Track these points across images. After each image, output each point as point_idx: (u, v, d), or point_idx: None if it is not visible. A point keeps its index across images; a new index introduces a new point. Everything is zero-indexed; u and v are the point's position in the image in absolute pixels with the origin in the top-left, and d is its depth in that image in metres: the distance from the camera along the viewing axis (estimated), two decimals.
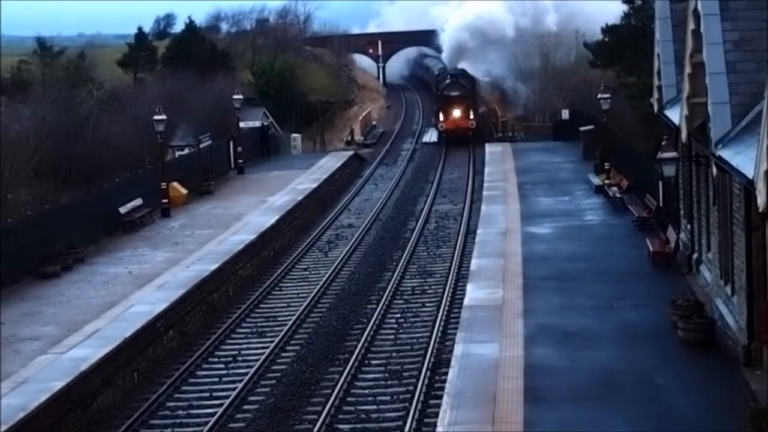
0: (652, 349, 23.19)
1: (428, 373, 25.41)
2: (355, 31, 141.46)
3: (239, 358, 27.99)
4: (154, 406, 24.62)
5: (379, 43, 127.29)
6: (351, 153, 68.77)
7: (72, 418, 23.16)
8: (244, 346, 29.15)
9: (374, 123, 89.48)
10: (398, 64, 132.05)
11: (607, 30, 59.39)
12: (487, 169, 54.72)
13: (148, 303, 29.93)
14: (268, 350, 27.99)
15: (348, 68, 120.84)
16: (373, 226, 45.23)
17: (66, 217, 37.62)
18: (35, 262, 34.44)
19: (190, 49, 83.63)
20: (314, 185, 52.43)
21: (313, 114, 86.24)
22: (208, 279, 33.14)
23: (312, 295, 33.49)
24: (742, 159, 19.21)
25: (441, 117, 73.53)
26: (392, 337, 29.23)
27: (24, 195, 44.26)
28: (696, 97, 24.99)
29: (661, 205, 35.76)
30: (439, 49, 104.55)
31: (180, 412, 24.34)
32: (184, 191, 48.86)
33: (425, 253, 39.36)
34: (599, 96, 47.21)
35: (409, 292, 33.80)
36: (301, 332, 30.05)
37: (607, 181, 44.68)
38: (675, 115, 28.70)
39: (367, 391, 24.95)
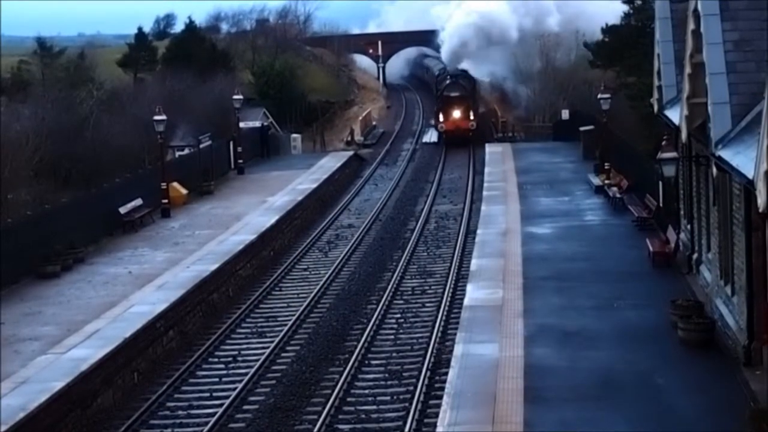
0: (652, 349, 23.19)
1: (428, 373, 25.41)
2: (355, 31, 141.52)
3: (239, 359, 27.99)
4: (154, 406, 24.62)
5: (379, 43, 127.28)
6: (351, 153, 68.74)
7: (72, 418, 23.16)
8: (244, 346, 29.15)
9: (374, 123, 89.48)
10: (398, 64, 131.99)
11: (607, 30, 59.40)
12: (487, 169, 54.71)
13: (148, 303, 29.93)
14: (268, 350, 27.99)
15: (348, 68, 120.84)
16: (373, 227, 45.23)
17: (66, 217, 37.62)
18: (35, 262, 34.44)
19: (190, 49, 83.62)
20: (314, 185, 52.43)
21: (313, 114, 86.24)
22: (208, 279, 33.14)
23: (312, 295, 33.49)
24: (742, 159, 19.21)
25: (441, 118, 73.25)
26: (392, 337, 29.23)
27: (24, 195, 44.25)
28: (696, 98, 24.99)
29: (661, 205, 35.76)
30: (439, 49, 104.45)
31: (180, 412, 24.34)
32: (184, 191, 48.86)
33: (425, 254, 39.36)
34: (599, 96, 47.19)
35: (409, 293, 33.80)
36: (301, 332, 30.05)
37: (607, 181, 44.68)
38: (675, 115, 28.71)
39: (367, 392, 24.95)
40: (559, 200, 44.26)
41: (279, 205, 46.28)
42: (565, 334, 24.71)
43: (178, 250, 37.79)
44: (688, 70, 25.30)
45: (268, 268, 38.38)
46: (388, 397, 24.40)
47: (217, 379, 26.50)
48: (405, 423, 22.46)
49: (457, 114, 72.47)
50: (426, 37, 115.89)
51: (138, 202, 43.41)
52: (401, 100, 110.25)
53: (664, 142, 27.15)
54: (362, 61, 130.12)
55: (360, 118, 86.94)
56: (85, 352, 25.49)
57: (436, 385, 24.37)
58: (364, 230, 44.04)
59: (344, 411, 23.71)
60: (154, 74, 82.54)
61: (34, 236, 34.84)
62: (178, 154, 58.31)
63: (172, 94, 63.71)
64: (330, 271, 36.63)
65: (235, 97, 59.56)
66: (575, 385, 21.17)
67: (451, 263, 36.70)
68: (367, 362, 27.09)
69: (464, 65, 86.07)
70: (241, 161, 59.55)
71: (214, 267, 34.17)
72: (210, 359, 28.19)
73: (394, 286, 34.26)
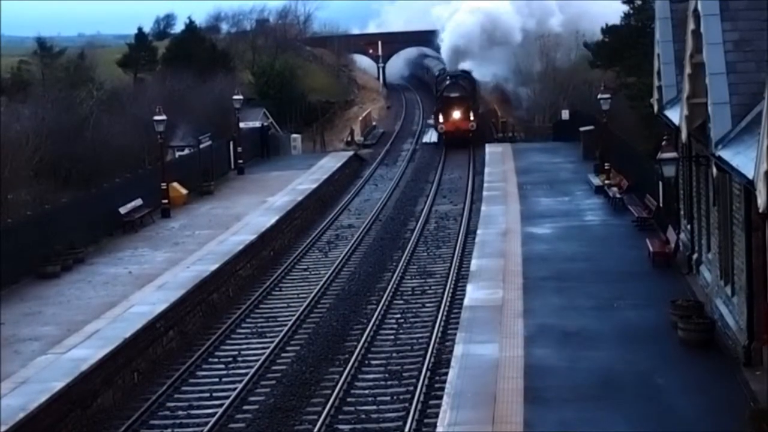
0: (652, 349, 23.19)
1: (428, 373, 25.41)
2: (355, 31, 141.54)
3: (239, 359, 27.99)
4: (154, 406, 24.62)
5: (379, 43, 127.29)
6: (351, 153, 68.71)
7: (72, 418, 23.16)
8: (244, 346, 29.15)
9: (374, 123, 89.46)
10: (398, 64, 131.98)
11: (607, 30, 59.44)
12: (487, 170, 54.71)
13: (148, 303, 29.93)
14: (268, 350, 27.99)
15: (348, 68, 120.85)
16: (373, 227, 45.23)
17: (66, 217, 37.62)
18: (35, 262, 34.43)
19: (190, 50, 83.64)
20: (314, 185, 52.43)
21: (313, 114, 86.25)
22: (208, 279, 33.14)
23: (312, 295, 33.49)
24: (742, 159, 19.21)
25: (441, 118, 72.73)
26: (392, 337, 29.23)
27: (24, 195, 44.26)
28: (696, 98, 24.99)
29: (661, 205, 35.76)
30: (439, 50, 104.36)
31: (180, 412, 24.33)
32: (184, 191, 48.85)
33: (425, 254, 39.36)
34: (599, 96, 47.17)
35: (409, 293, 33.80)
36: (301, 332, 30.05)
37: (607, 182, 44.68)
38: (675, 115, 28.70)
39: (367, 392, 24.95)
40: (559, 200, 44.26)
41: (279, 206, 46.28)
42: (565, 334, 24.71)
43: (178, 250, 37.79)
44: (688, 70, 25.30)
45: (268, 268, 38.38)
46: (388, 398, 24.40)
47: (217, 380, 26.50)
48: (405, 423, 22.46)
49: (457, 115, 71.96)
50: (426, 37, 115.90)
51: (138, 202, 43.41)
52: (401, 100, 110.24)
53: (664, 142, 27.15)
54: (362, 61, 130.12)
55: (360, 118, 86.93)
56: (85, 352, 25.49)
57: (436, 386, 24.36)
58: (364, 230, 44.04)
59: (344, 411, 23.71)
60: (154, 74, 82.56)
61: (34, 236, 34.84)
62: (178, 154, 58.33)
63: (172, 94, 63.74)
64: (330, 272, 36.63)
65: (235, 97, 59.56)
66: (575, 386, 21.17)
67: (451, 263, 36.69)
68: (367, 362, 27.09)
69: (465, 65, 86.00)
70: (241, 161, 59.55)
71: (214, 267, 34.17)
72: (210, 359, 28.19)
73: (394, 286, 34.26)
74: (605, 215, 40.31)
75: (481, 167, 57.58)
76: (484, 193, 47.33)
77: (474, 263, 32.86)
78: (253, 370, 26.40)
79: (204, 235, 40.43)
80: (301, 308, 32.00)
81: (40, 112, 52.94)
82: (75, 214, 38.59)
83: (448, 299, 31.87)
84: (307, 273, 37.45)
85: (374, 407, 23.84)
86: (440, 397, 21.98)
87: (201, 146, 54.66)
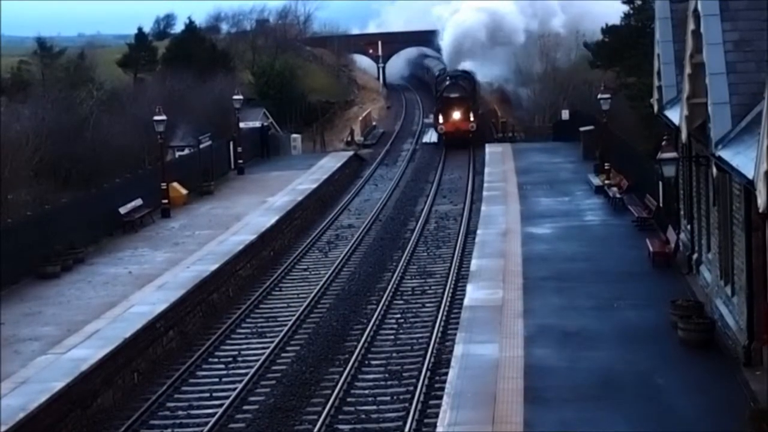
0: (652, 349, 23.18)
1: (428, 373, 25.41)
2: (355, 31, 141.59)
3: (239, 359, 27.99)
4: (154, 406, 24.62)
5: (379, 43, 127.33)
6: (351, 153, 68.70)
7: (72, 418, 23.16)
8: (244, 346, 29.15)
9: (374, 123, 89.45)
10: (398, 64, 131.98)
11: (607, 30, 59.44)
12: (487, 170, 54.70)
13: (148, 303, 29.93)
14: (268, 350, 27.99)
15: (348, 69, 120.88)
16: (373, 227, 45.23)
17: (66, 217, 37.61)
18: (35, 262, 34.43)
19: (190, 50, 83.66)
20: (314, 185, 52.43)
21: (313, 114, 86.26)
22: (208, 279, 33.14)
23: (312, 295, 33.49)
24: (742, 159, 19.21)
25: (440, 119, 72.10)
26: (392, 337, 29.23)
27: (24, 195, 44.27)
28: (696, 98, 24.99)
29: (661, 205, 35.76)
30: (439, 50, 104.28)
31: (180, 412, 24.33)
32: (184, 192, 48.85)
33: (425, 254, 39.36)
34: (599, 96, 47.17)
35: (409, 293, 33.80)
36: (301, 332, 30.05)
37: (607, 182, 44.68)
38: (675, 115, 28.71)
39: (367, 392, 24.95)
40: (559, 200, 44.26)
41: (279, 206, 46.28)
42: (565, 334, 24.71)
43: (178, 251, 37.79)
44: (688, 70, 25.30)
45: (268, 268, 38.38)
46: (388, 398, 24.40)
47: (217, 380, 26.50)
48: (405, 423, 22.46)
49: (456, 115, 71.35)
50: (426, 37, 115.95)
51: (138, 202, 43.40)
52: (401, 100, 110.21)
53: (664, 143, 27.15)
54: (362, 61, 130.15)
55: (360, 118, 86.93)
56: (85, 352, 25.49)
57: (436, 386, 24.36)
58: (364, 230, 44.04)
59: (344, 411, 23.71)
60: (154, 74, 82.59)
61: (34, 236, 34.83)
62: (178, 154, 58.34)
63: (172, 94, 63.75)
64: (330, 272, 36.63)
65: (235, 97, 59.55)
66: (575, 386, 21.17)
67: (451, 263, 36.69)
68: (367, 362, 27.09)
69: (466, 65, 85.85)
70: (241, 161, 59.55)
71: (214, 267, 34.17)
72: (210, 359, 28.19)
73: (394, 286, 34.26)
74: (605, 215, 40.31)
75: (481, 167, 57.59)
76: (484, 193, 47.33)
77: (474, 263, 32.86)
78: (253, 370, 26.40)
79: (204, 235, 40.43)
80: (301, 308, 32.00)
81: (40, 112, 52.95)
82: (75, 214, 38.59)
83: (448, 299, 31.87)
84: (307, 273, 37.45)
85: (374, 407, 23.84)
86: (440, 397, 21.98)
87: (201, 146, 54.66)
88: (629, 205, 39.36)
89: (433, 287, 34.18)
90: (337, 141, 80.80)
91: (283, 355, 28.08)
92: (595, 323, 25.52)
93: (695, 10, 23.63)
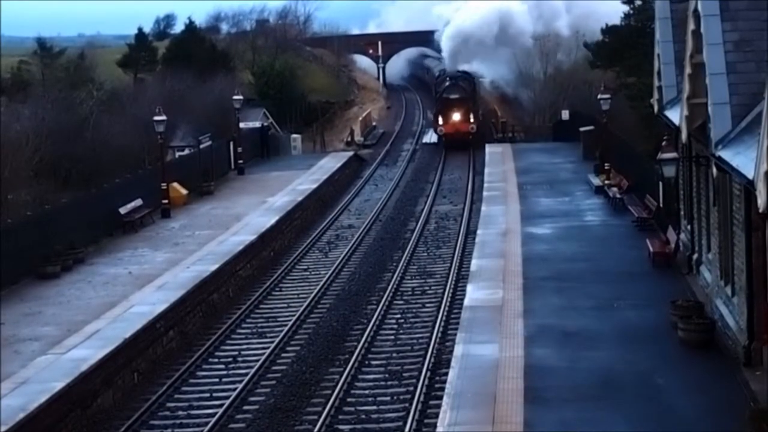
0: (652, 349, 23.18)
1: (428, 373, 25.41)
2: (355, 31, 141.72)
3: (239, 359, 27.99)
4: (154, 406, 24.62)
5: (379, 43, 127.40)
6: (351, 154, 68.67)
7: (72, 418, 23.16)
8: (245, 346, 29.15)
9: (374, 124, 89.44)
10: (398, 64, 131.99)
11: (607, 30, 59.42)
12: (487, 170, 54.70)
13: (148, 303, 29.93)
14: (268, 351, 27.99)
15: (348, 69, 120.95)
16: (373, 227, 45.23)
17: (66, 217, 37.61)
18: (35, 262, 34.42)
19: (190, 50, 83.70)
20: (314, 186, 52.43)
21: (313, 114, 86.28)
22: (208, 279, 33.14)
23: (312, 295, 33.49)
24: (742, 159, 19.21)
25: (440, 120, 71.36)
26: (392, 337, 29.23)
27: (24, 195, 44.28)
28: (696, 98, 24.99)
29: (661, 205, 35.76)
30: (440, 50, 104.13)
31: (180, 412, 24.33)
32: (184, 192, 48.86)
33: (425, 254, 39.36)
34: (599, 96, 47.16)
35: (409, 293, 33.80)
36: (301, 333, 30.05)
37: (607, 182, 44.68)
38: (675, 115, 28.71)
39: (367, 392, 24.95)
40: (559, 200, 44.26)
41: (279, 206, 46.28)
42: (565, 334, 24.71)
43: (178, 251, 37.79)
44: (688, 70, 25.30)
45: (268, 268, 38.38)
46: (388, 398, 24.40)
47: (217, 380, 26.50)
48: (405, 423, 22.46)
49: (456, 116, 70.60)
50: (426, 38, 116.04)
51: (138, 202, 43.40)
52: (401, 100, 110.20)
53: (664, 143, 27.15)
54: (362, 61, 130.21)
55: (360, 118, 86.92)
56: (85, 352, 25.48)
57: (436, 386, 24.36)
58: (364, 230, 44.04)
59: (344, 411, 23.71)
60: (154, 74, 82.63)
61: (34, 236, 34.83)
62: (178, 154, 58.35)
63: (172, 94, 63.76)
64: (330, 272, 36.64)
65: (235, 97, 59.54)
66: (575, 386, 21.17)
67: (451, 263, 36.70)
68: (367, 362, 27.09)
69: (465, 66, 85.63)
70: (241, 161, 59.54)
71: (214, 267, 34.17)
72: (210, 359, 28.19)
73: (394, 286, 34.26)
74: (605, 215, 40.31)
75: (481, 167, 57.57)
76: (484, 193, 47.33)
77: (474, 263, 32.86)
78: (253, 371, 26.40)
79: (204, 235, 40.43)
80: (301, 308, 32.00)
81: (40, 113, 52.95)
82: (75, 214, 38.59)
83: (448, 299, 31.86)
84: (307, 273, 37.45)
85: (374, 407, 23.84)
86: (440, 398, 21.97)
87: (201, 146, 54.65)
88: (629, 206, 39.36)
89: (433, 287, 34.18)
90: (337, 141, 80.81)
91: (283, 355, 28.08)
92: (595, 323, 25.52)
93: (695, 10, 23.63)
